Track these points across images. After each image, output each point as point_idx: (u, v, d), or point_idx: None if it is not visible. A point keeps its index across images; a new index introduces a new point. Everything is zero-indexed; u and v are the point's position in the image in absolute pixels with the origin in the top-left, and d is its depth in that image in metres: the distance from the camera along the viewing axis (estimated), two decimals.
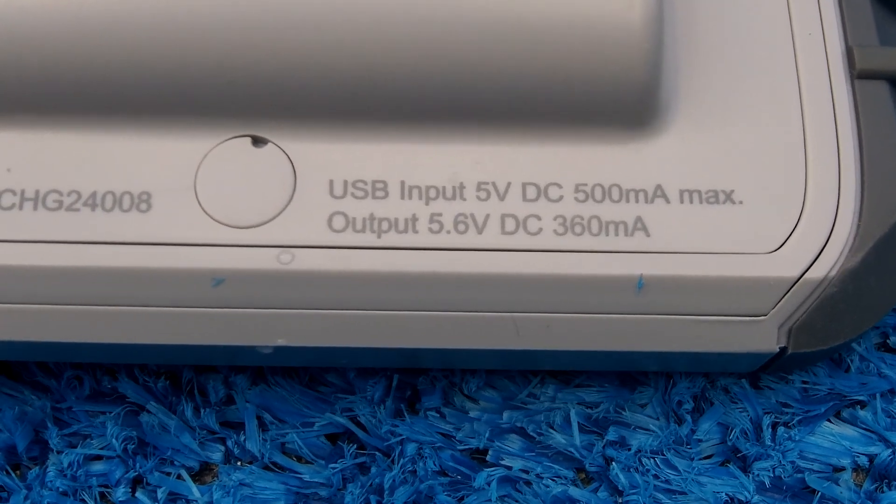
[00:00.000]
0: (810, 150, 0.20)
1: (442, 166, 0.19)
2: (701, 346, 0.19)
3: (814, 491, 0.21)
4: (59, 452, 0.21)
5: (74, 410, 0.22)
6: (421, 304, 0.19)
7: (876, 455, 0.22)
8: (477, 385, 0.22)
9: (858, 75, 0.20)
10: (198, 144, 0.19)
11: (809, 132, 0.20)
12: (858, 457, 0.22)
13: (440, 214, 0.19)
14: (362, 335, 0.19)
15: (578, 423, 0.22)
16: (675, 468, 0.21)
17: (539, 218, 0.19)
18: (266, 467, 0.21)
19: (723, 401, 0.22)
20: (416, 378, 0.22)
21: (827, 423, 0.22)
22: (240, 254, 0.19)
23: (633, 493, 0.21)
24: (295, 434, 0.22)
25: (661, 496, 0.21)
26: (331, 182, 0.19)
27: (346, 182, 0.19)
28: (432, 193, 0.19)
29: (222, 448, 0.21)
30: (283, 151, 0.19)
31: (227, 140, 0.19)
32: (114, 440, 0.21)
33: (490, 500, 0.21)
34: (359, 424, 0.22)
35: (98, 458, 0.21)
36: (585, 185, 0.19)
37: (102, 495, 0.21)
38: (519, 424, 0.22)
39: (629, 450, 0.21)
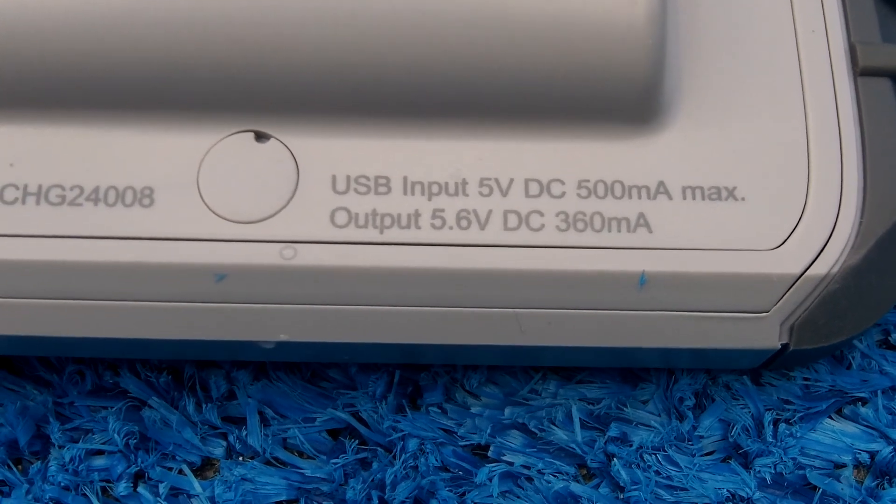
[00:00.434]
0: (813, 147, 0.20)
1: (444, 162, 0.19)
2: (703, 343, 0.19)
3: (815, 488, 0.21)
4: (60, 447, 0.21)
5: (76, 405, 0.22)
6: (423, 300, 0.19)
7: (877, 452, 0.22)
8: (478, 381, 0.22)
9: (861, 72, 0.20)
10: (201, 139, 0.19)
11: (812, 129, 0.20)
12: (860, 453, 0.22)
13: (443, 210, 0.19)
14: (364, 331, 0.19)
15: (580, 419, 0.22)
16: (676, 464, 0.21)
17: (542, 214, 0.19)
18: (268, 462, 0.21)
19: (724, 397, 0.22)
20: (417, 374, 0.22)
21: (828, 420, 0.22)
22: (242, 249, 0.19)
23: (635, 490, 0.21)
24: (297, 429, 0.22)
25: (662, 492, 0.21)
26: (333, 178, 0.19)
27: (348, 178, 0.19)
28: (435, 189, 0.19)
29: (224, 443, 0.22)
30: (286, 147, 0.19)
31: (229, 135, 0.19)
32: (115, 435, 0.21)
33: (491, 496, 0.21)
34: (360, 420, 0.22)
35: (100, 452, 0.21)
36: (588, 181, 0.19)
37: (104, 490, 0.21)
38: (520, 420, 0.22)
39: (631, 446, 0.21)
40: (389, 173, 0.19)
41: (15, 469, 0.21)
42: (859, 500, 0.21)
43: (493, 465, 0.21)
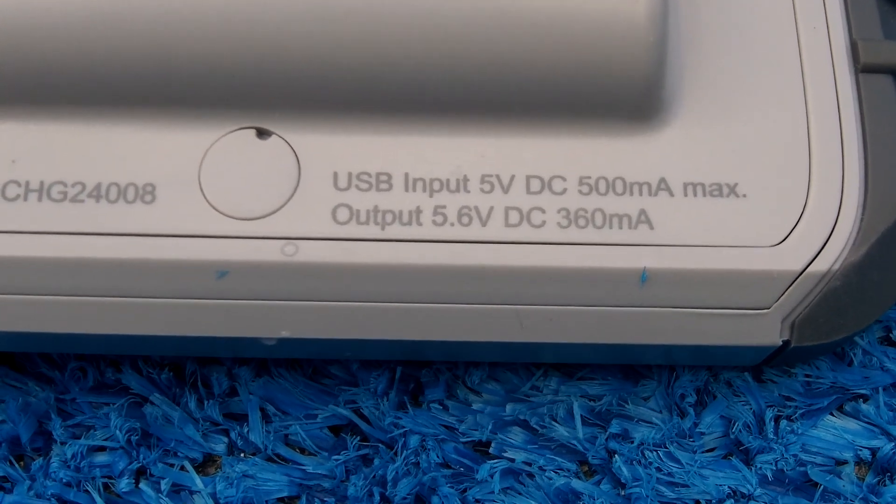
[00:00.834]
0: (814, 143, 0.20)
1: (446, 159, 0.19)
2: (704, 340, 0.19)
3: (816, 484, 0.21)
4: (62, 443, 0.21)
5: (78, 402, 0.22)
6: (425, 297, 0.19)
7: (878, 449, 0.22)
8: (480, 377, 0.22)
9: (863, 69, 0.20)
10: (202, 136, 0.19)
11: (813, 126, 0.20)
12: (861, 450, 0.22)
13: (444, 207, 0.19)
14: (366, 327, 0.19)
15: (581, 415, 0.22)
16: (677, 461, 0.21)
17: (543, 211, 0.19)
18: (269, 459, 0.21)
19: (725, 394, 0.22)
20: (419, 370, 0.22)
21: (829, 417, 0.22)
22: (244, 245, 0.19)
23: (636, 486, 0.21)
24: (298, 426, 0.22)
25: (663, 489, 0.21)
26: (335, 174, 0.19)
27: (350, 174, 0.19)
28: (436, 186, 0.19)
29: (226, 439, 0.22)
30: (288, 143, 0.19)
31: (231, 132, 0.19)
32: (117, 431, 0.21)
33: (493, 493, 0.21)
34: (362, 416, 0.22)
35: (102, 449, 0.21)
36: (589, 177, 0.19)
37: (106, 486, 0.21)
38: (522, 417, 0.22)
39: (632, 443, 0.21)
40: (391, 170, 0.19)
41: (17, 465, 0.21)
42: (860, 496, 0.21)
43: (495, 461, 0.21)
